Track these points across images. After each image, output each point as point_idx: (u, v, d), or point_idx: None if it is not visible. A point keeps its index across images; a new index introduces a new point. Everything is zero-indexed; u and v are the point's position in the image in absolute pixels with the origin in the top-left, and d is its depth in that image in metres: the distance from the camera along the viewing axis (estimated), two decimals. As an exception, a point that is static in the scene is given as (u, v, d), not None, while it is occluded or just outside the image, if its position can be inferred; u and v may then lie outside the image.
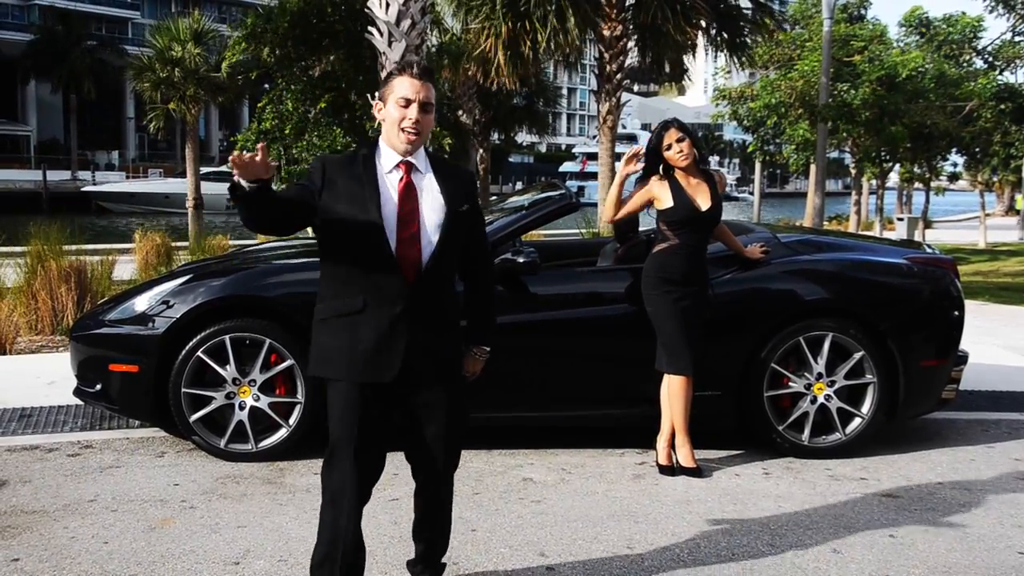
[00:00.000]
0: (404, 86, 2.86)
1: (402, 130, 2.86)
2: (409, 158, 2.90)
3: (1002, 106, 18.86)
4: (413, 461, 3.07)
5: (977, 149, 21.24)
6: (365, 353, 2.83)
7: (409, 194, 2.87)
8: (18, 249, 9.55)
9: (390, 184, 2.88)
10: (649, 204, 4.72)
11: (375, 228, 2.81)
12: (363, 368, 2.84)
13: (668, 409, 4.66)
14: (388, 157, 2.91)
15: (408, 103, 2.85)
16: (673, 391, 4.64)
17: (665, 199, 4.64)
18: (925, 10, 23.20)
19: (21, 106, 56.12)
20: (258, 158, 2.58)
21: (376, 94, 3.02)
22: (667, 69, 16.18)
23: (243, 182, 2.62)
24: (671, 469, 4.64)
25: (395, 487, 4.15)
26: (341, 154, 3.06)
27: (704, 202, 4.63)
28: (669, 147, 4.62)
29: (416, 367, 2.87)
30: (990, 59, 23.39)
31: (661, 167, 4.69)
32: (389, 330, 2.83)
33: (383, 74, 9.12)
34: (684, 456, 4.65)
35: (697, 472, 4.61)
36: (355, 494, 2.88)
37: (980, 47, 23.27)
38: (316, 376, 2.94)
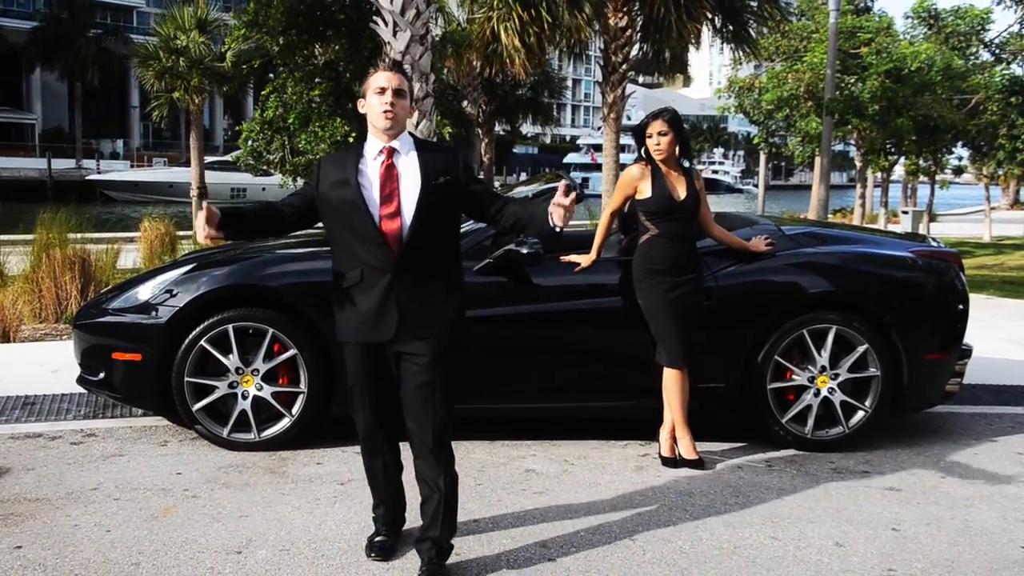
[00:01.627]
0: (379, 78, 3.36)
1: (381, 113, 3.30)
2: (392, 143, 3.33)
3: (1012, 99, 18.75)
4: (406, 417, 3.34)
5: (983, 142, 21.15)
6: (366, 319, 3.30)
7: (389, 175, 3.29)
8: (23, 237, 9.56)
9: (374, 169, 3.31)
10: (632, 195, 4.70)
11: (359, 208, 3.26)
12: (366, 330, 3.31)
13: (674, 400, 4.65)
14: (373, 145, 3.35)
15: (383, 91, 3.33)
16: (668, 384, 4.63)
17: (644, 189, 4.65)
18: (934, 1, 23.06)
19: (26, 94, 56.09)
20: (203, 230, 3.20)
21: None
22: (668, 61, 16.12)
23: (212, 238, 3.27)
24: (674, 461, 4.64)
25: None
26: (338, 152, 3.58)
27: (681, 192, 4.63)
28: (651, 136, 4.63)
29: (409, 327, 3.27)
30: (997, 52, 23.24)
31: (643, 150, 4.71)
32: (382, 298, 3.27)
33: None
34: (685, 448, 4.65)
35: (699, 464, 4.60)
36: (378, 432, 3.47)
37: (988, 40, 23.12)
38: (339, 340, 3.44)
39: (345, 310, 3.35)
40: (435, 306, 3.31)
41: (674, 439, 4.68)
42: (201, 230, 3.20)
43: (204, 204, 3.28)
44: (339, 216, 3.31)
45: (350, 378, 3.43)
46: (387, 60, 3.46)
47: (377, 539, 3.53)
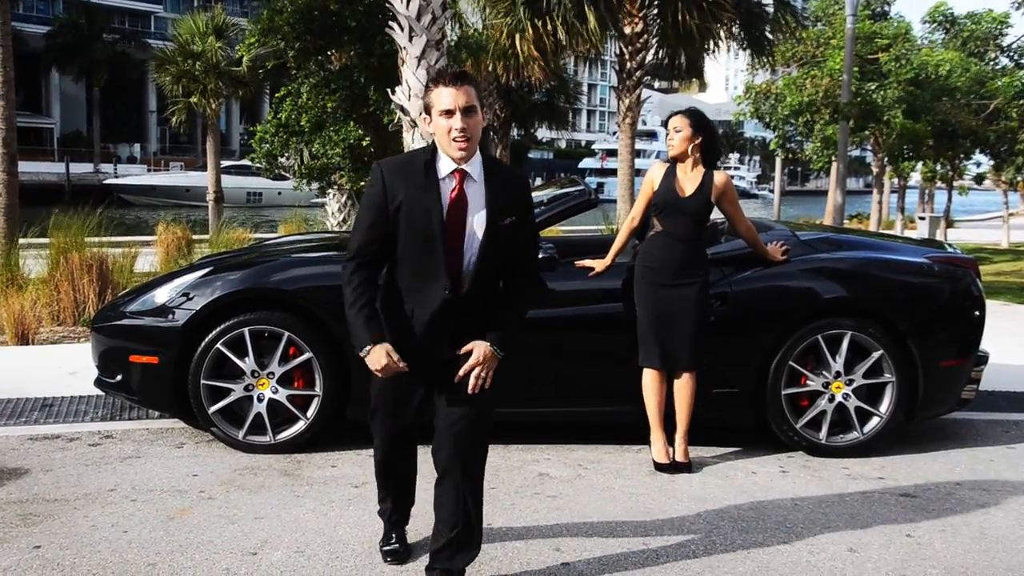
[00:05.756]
0: (442, 97, 2.95)
1: (453, 140, 2.95)
2: (464, 166, 2.99)
3: None
4: (437, 437, 3.14)
5: (1003, 148, 21.01)
6: (408, 354, 3.03)
7: (459, 205, 2.99)
8: (41, 241, 9.64)
9: (444, 192, 3.00)
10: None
11: (432, 237, 2.98)
12: (406, 362, 3.02)
13: (681, 405, 4.65)
14: (445, 163, 3.01)
15: (451, 113, 2.94)
16: (643, 383, 4.69)
17: (657, 184, 4.71)
18: (950, 6, 22.94)
19: (45, 99, 56.59)
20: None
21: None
22: (684, 66, 16.13)
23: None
24: (688, 466, 4.64)
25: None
26: (398, 157, 3.20)
27: (688, 190, 4.65)
28: (668, 132, 4.73)
29: (451, 363, 3.06)
30: (1016, 57, 23.09)
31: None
32: (434, 332, 3.05)
33: (402, 68, 9.13)
34: (657, 451, 4.66)
35: (668, 468, 4.59)
36: (400, 444, 3.34)
37: (1005, 44, 22.97)
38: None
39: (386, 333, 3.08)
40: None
41: (687, 443, 4.68)
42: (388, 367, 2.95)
43: (385, 353, 2.97)
44: (415, 238, 3.00)
45: (374, 399, 3.27)
46: (446, 71, 3.06)
47: (388, 547, 3.52)
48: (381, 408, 3.27)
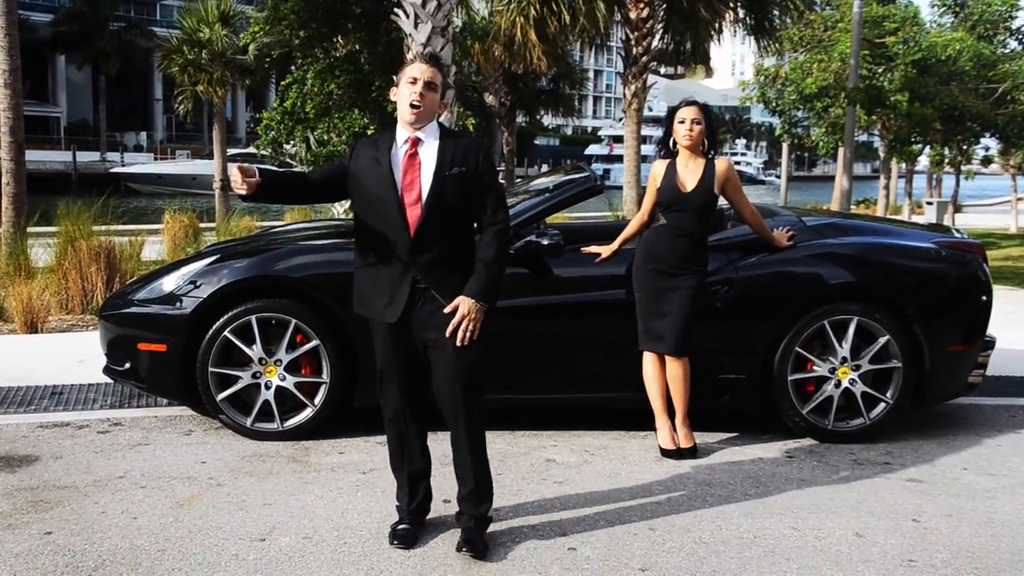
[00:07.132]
0: (413, 68, 3.41)
1: (408, 105, 3.36)
2: (417, 133, 3.39)
3: None
4: (437, 398, 3.44)
5: (1011, 132, 20.87)
6: (379, 298, 3.42)
7: (412, 164, 3.38)
8: (49, 229, 9.67)
9: (400, 156, 3.39)
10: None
11: (386, 192, 3.36)
12: (379, 310, 3.42)
13: (675, 390, 4.66)
14: (400, 134, 3.43)
15: (415, 81, 3.37)
16: (643, 369, 4.73)
17: (659, 181, 4.71)
18: None
19: (51, 87, 56.63)
20: (239, 180, 3.22)
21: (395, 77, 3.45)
22: (689, 52, 16.09)
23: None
24: (693, 451, 4.65)
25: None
26: (372, 136, 3.61)
27: (690, 184, 4.63)
28: (683, 121, 4.66)
29: (420, 311, 3.37)
30: (1024, 40, 22.90)
31: (671, 142, 4.74)
32: (397, 280, 3.37)
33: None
34: (663, 438, 4.67)
35: (673, 454, 4.60)
36: (406, 410, 3.52)
37: (1015, 27, 22.76)
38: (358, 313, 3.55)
39: (361, 287, 3.49)
40: (448, 294, 3.34)
41: (688, 428, 4.69)
42: (240, 185, 3.22)
43: (239, 165, 3.28)
44: (368, 197, 3.40)
45: (379, 363, 3.51)
46: (423, 52, 3.45)
47: (400, 527, 3.56)
48: (386, 370, 3.48)
